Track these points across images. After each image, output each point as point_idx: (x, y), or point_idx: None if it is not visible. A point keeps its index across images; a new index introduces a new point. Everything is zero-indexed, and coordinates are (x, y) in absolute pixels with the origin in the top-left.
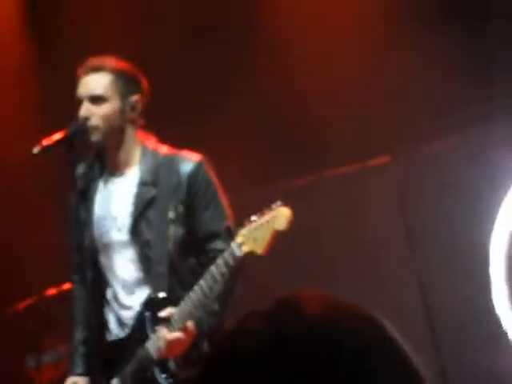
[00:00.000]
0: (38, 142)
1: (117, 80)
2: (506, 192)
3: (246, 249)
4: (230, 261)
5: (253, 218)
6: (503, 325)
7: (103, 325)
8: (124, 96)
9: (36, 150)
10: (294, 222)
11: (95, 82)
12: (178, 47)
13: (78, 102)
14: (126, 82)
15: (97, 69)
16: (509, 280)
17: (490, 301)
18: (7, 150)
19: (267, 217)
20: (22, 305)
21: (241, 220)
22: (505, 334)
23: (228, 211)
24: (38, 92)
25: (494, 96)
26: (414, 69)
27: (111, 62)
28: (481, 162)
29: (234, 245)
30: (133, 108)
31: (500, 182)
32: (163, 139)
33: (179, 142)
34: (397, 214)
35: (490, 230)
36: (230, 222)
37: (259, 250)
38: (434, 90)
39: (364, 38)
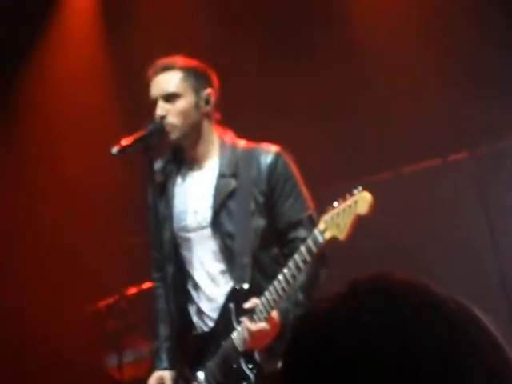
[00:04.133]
0: (117, 142)
1: (188, 76)
2: None
3: (328, 235)
4: (313, 248)
5: (335, 204)
6: None
7: (187, 319)
8: (197, 91)
9: (115, 150)
10: (376, 217)
11: (167, 81)
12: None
13: (153, 103)
14: (196, 78)
15: (166, 68)
16: None
17: None
18: (84, 150)
19: (349, 202)
20: (102, 304)
21: (323, 209)
22: None
23: (309, 201)
24: (117, 94)
25: None
26: (490, 65)
27: (179, 60)
28: None
29: (316, 231)
30: (207, 101)
31: None
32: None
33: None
34: (478, 210)
35: None
36: (311, 212)
37: (341, 235)
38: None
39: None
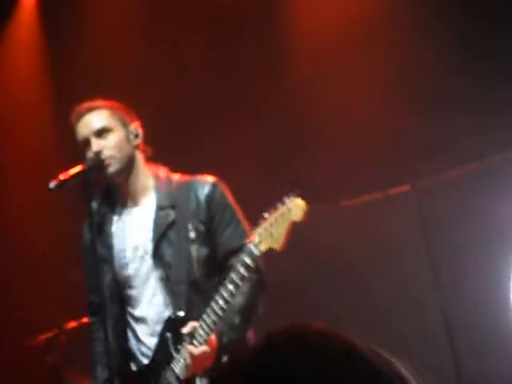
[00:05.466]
0: (55, 177)
1: (113, 112)
2: None
3: (263, 247)
4: (249, 261)
5: (266, 215)
6: None
7: (129, 356)
8: (125, 125)
9: (52, 184)
10: (319, 248)
11: (96, 118)
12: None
13: (84, 144)
14: (121, 114)
15: (91, 109)
16: None
17: None
18: (23, 185)
19: (281, 210)
20: (42, 337)
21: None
22: None
23: (248, 229)
24: (56, 130)
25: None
26: (432, 99)
27: (101, 102)
28: (500, 188)
29: (250, 245)
30: (136, 135)
31: None
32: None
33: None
34: (419, 243)
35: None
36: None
37: (277, 245)
38: (453, 119)
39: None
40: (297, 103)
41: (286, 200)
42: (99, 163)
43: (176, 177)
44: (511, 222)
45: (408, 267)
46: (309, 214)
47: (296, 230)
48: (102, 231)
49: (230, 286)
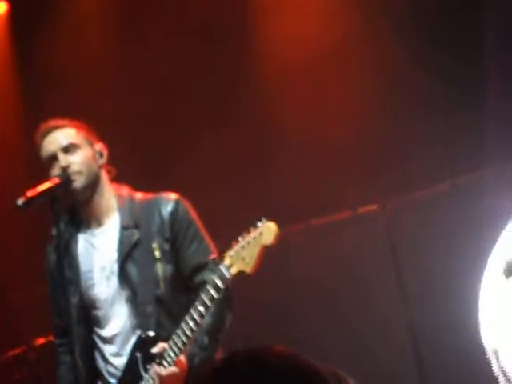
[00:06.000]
0: (22, 193)
1: (79, 131)
2: (495, 237)
3: (234, 270)
4: (219, 283)
5: (239, 238)
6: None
7: (97, 378)
8: (90, 144)
9: (20, 201)
10: (288, 267)
11: (63, 135)
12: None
13: (50, 161)
14: (86, 133)
15: (58, 127)
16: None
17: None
18: None
19: (253, 234)
20: (10, 354)
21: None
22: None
23: (212, 245)
24: (24, 144)
25: (482, 145)
26: (402, 119)
27: (67, 121)
28: (468, 209)
29: (222, 267)
30: (101, 155)
31: (488, 229)
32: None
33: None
34: (386, 262)
35: (481, 277)
36: (214, 255)
37: (248, 269)
38: (423, 139)
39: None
40: (265, 121)
41: (259, 223)
42: (68, 178)
43: (139, 195)
44: (479, 242)
45: (376, 286)
46: (279, 234)
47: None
48: (67, 252)
49: (200, 307)
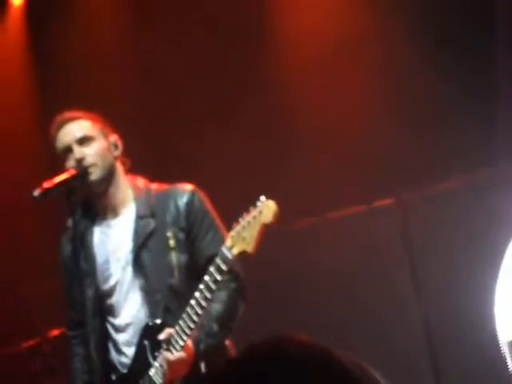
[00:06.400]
0: (39, 185)
1: (94, 123)
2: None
3: (236, 250)
4: (222, 265)
5: (239, 219)
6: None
7: (110, 369)
8: (105, 136)
9: (37, 192)
10: (303, 259)
11: (78, 127)
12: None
13: (64, 153)
14: (101, 125)
15: (72, 119)
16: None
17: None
18: (9, 193)
19: (253, 213)
20: (25, 345)
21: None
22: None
23: (226, 235)
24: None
25: (498, 139)
26: (418, 112)
27: (82, 113)
28: (485, 203)
29: (223, 248)
30: (116, 146)
31: (505, 224)
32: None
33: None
34: (402, 256)
35: (497, 272)
36: None
37: (249, 248)
38: (439, 133)
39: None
40: (279, 116)
41: (258, 203)
42: (84, 170)
43: (154, 186)
44: (495, 236)
45: (391, 280)
46: (294, 227)
47: (280, 244)
48: (83, 244)
49: (205, 291)
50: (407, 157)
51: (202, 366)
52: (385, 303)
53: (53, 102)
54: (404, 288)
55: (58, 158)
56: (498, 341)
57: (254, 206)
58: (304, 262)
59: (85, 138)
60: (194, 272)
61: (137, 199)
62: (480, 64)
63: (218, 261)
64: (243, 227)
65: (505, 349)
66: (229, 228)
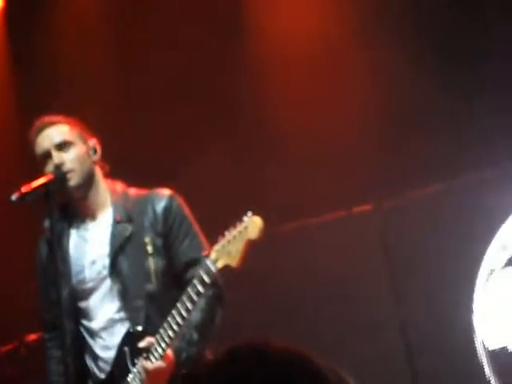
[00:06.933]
0: (17, 189)
1: (73, 128)
2: (489, 238)
3: (220, 264)
4: (205, 278)
5: (225, 232)
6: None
7: (85, 370)
8: (84, 140)
9: (14, 196)
10: (282, 265)
11: (57, 132)
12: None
13: (43, 157)
14: (80, 130)
15: (52, 123)
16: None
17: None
18: None
19: (239, 228)
20: (2, 350)
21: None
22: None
23: (204, 242)
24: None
25: (478, 146)
26: (398, 118)
27: (61, 117)
28: (463, 209)
29: (208, 261)
30: (95, 151)
31: (483, 229)
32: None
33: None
34: (381, 261)
35: (475, 277)
36: (207, 252)
37: (233, 262)
38: (417, 141)
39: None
40: (260, 119)
41: (244, 218)
42: (62, 175)
43: (133, 191)
44: (474, 243)
45: (370, 286)
46: (264, 228)
47: (260, 249)
48: (59, 246)
49: (187, 302)
50: (387, 162)
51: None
52: (363, 309)
53: (33, 104)
54: (382, 294)
55: (37, 162)
56: (476, 347)
57: (240, 220)
58: (279, 268)
59: (63, 143)
60: (172, 278)
61: (114, 204)
62: (471, 65)
63: (202, 273)
64: (228, 241)
65: (482, 356)
66: (211, 237)
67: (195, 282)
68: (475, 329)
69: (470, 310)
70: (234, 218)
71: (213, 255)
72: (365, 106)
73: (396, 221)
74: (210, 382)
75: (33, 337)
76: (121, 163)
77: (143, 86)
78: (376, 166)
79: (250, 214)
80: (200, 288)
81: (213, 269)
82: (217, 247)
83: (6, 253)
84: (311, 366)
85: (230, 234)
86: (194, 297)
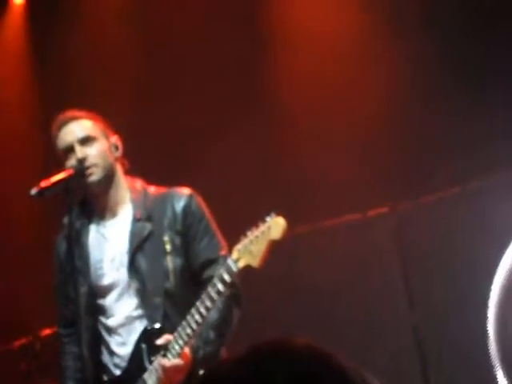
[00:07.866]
0: (37, 183)
1: (96, 123)
2: (505, 241)
3: (241, 264)
4: (226, 277)
5: (248, 232)
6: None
7: (102, 366)
8: (106, 137)
9: (34, 191)
10: (297, 267)
11: (80, 127)
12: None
13: (66, 152)
14: (103, 126)
15: (74, 118)
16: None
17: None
18: (5, 190)
19: (261, 229)
20: (16, 344)
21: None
22: None
23: (223, 241)
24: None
25: (495, 149)
26: (413, 119)
27: (84, 113)
28: (479, 214)
29: (229, 261)
30: (116, 147)
31: (498, 232)
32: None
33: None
34: (396, 264)
35: (491, 281)
36: (225, 251)
37: (255, 263)
38: (433, 143)
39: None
40: (277, 121)
41: (267, 218)
42: (83, 170)
43: (152, 189)
44: (490, 247)
45: (384, 289)
46: (287, 230)
47: (275, 251)
48: (78, 242)
49: (207, 301)
50: (403, 166)
51: (201, 374)
52: (379, 311)
53: (52, 102)
54: (396, 297)
55: (58, 156)
56: (490, 352)
57: (263, 220)
58: (296, 270)
59: (87, 138)
60: (189, 277)
61: (134, 201)
62: (473, 71)
63: (223, 272)
64: (251, 241)
65: (495, 360)
66: (230, 238)
67: (215, 280)
68: (490, 335)
69: (485, 313)
70: (247, 219)
71: (234, 254)
72: (380, 110)
73: (411, 224)
74: (234, 382)
75: (47, 331)
76: (138, 159)
77: (164, 81)
78: (391, 170)
79: (273, 214)
80: (220, 287)
81: (234, 268)
82: (238, 247)
83: (21, 246)
84: (336, 365)
85: (252, 234)
86: (214, 296)
